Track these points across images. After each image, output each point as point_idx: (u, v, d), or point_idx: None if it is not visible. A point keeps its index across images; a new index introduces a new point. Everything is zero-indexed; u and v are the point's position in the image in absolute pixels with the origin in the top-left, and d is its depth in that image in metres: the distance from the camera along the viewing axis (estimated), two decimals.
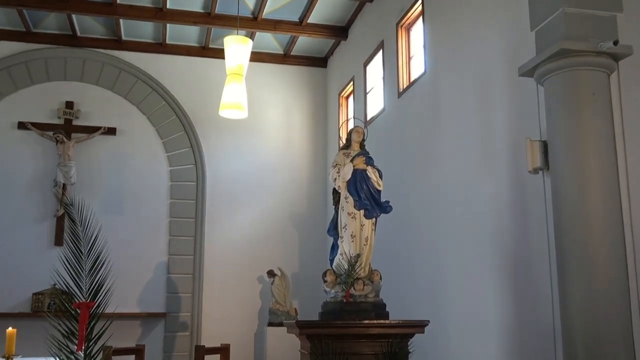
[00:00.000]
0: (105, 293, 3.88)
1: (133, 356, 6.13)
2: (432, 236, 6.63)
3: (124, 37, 9.98)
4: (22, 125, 9.55)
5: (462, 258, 5.99)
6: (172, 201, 9.86)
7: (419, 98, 7.19)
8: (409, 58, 7.79)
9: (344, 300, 5.14)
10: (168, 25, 9.61)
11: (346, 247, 5.32)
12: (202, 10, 9.25)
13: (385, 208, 5.47)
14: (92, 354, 3.70)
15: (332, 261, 5.51)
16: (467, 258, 5.90)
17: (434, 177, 6.70)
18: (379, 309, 5.17)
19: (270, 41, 10.23)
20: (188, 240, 9.77)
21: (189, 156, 10.04)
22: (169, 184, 9.92)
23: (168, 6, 9.11)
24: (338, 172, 5.48)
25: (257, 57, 9.94)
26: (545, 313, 4.60)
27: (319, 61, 10.76)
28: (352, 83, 9.55)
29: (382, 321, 4.99)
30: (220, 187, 10.03)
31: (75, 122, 9.76)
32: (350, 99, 9.83)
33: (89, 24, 9.72)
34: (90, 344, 3.72)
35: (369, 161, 5.53)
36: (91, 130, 9.74)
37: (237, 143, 10.20)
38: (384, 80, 8.28)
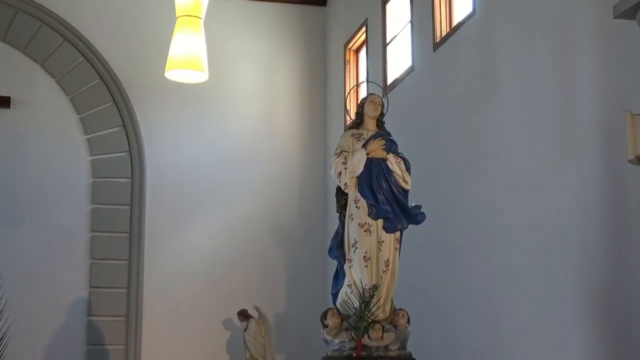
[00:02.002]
0: None
1: None
2: (484, 258, 6.65)
3: None
4: None
5: (528, 291, 6.01)
6: (95, 207, 9.87)
7: (465, 52, 7.21)
8: None
9: (354, 355, 5.16)
10: None
11: (357, 275, 5.35)
12: None
13: (415, 216, 5.49)
14: None
15: (335, 296, 5.54)
16: (536, 291, 5.92)
17: (486, 169, 6.72)
18: None
19: None
20: (119, 265, 9.78)
21: (120, 139, 10.04)
22: (90, 181, 9.92)
23: None
24: (345, 163, 5.50)
25: None
26: None
27: None
28: (364, 30, 9.56)
29: None
30: (168, 186, 10.04)
31: None
32: (362, 53, 9.84)
33: None
34: None
35: (391, 146, 5.55)
36: None
37: (192, 120, 10.21)
38: (412, 26, 8.29)
